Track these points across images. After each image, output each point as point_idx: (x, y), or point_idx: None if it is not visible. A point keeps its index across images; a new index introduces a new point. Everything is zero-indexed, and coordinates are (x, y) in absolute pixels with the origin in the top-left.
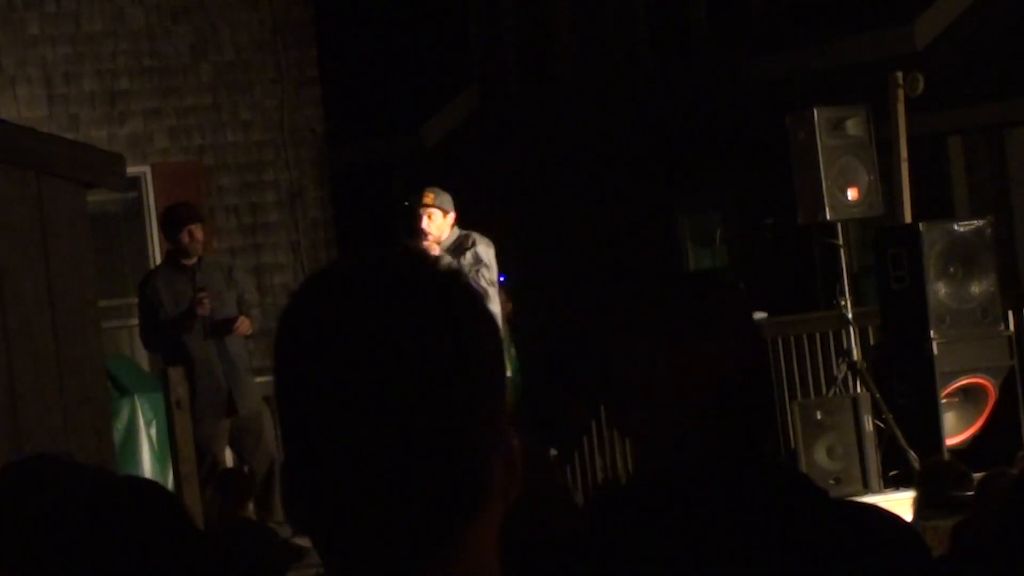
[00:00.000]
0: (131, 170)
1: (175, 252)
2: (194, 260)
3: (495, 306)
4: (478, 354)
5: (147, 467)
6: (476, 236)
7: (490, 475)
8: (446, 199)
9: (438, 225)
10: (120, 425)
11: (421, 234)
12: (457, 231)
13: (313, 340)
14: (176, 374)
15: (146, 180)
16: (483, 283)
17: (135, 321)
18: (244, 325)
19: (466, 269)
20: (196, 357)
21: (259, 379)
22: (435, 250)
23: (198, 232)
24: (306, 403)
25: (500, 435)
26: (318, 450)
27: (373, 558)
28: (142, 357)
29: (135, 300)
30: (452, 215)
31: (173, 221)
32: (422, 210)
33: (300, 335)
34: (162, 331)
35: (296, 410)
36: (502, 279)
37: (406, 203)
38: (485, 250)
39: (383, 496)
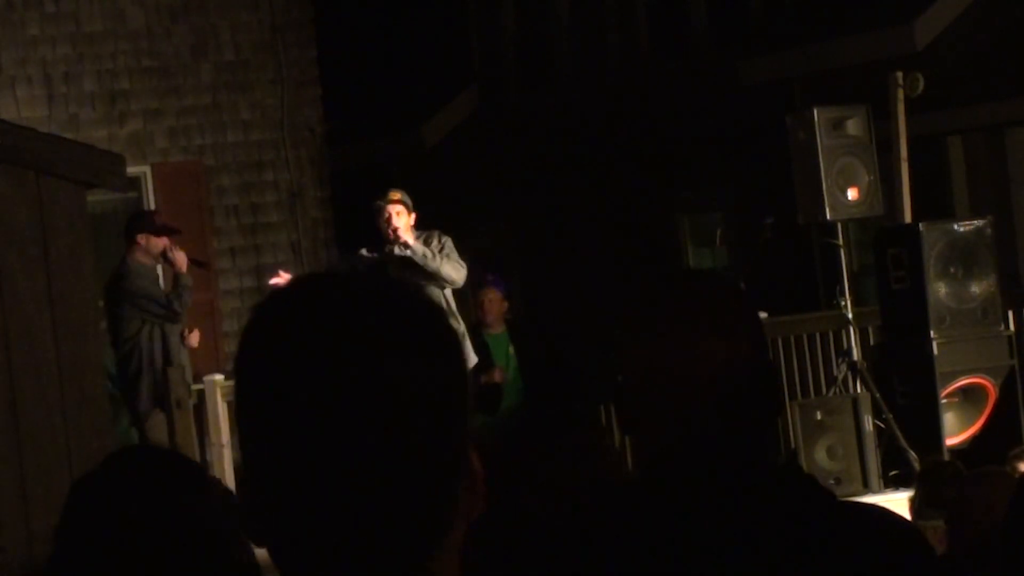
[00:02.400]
0: (131, 170)
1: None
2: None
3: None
4: (443, 378)
5: None
6: (439, 233)
7: (454, 499)
8: (409, 199)
9: (405, 221)
10: (120, 425)
11: (391, 228)
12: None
13: (275, 360)
14: (176, 374)
15: (146, 180)
16: (456, 259)
17: None
18: (195, 337)
19: (437, 250)
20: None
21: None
22: (404, 240)
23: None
24: (267, 421)
25: (463, 457)
26: (278, 469)
27: None
28: None
29: None
30: (414, 216)
31: (165, 228)
32: (390, 206)
33: (262, 355)
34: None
35: (256, 426)
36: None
37: (378, 202)
38: (451, 243)
39: (345, 519)
